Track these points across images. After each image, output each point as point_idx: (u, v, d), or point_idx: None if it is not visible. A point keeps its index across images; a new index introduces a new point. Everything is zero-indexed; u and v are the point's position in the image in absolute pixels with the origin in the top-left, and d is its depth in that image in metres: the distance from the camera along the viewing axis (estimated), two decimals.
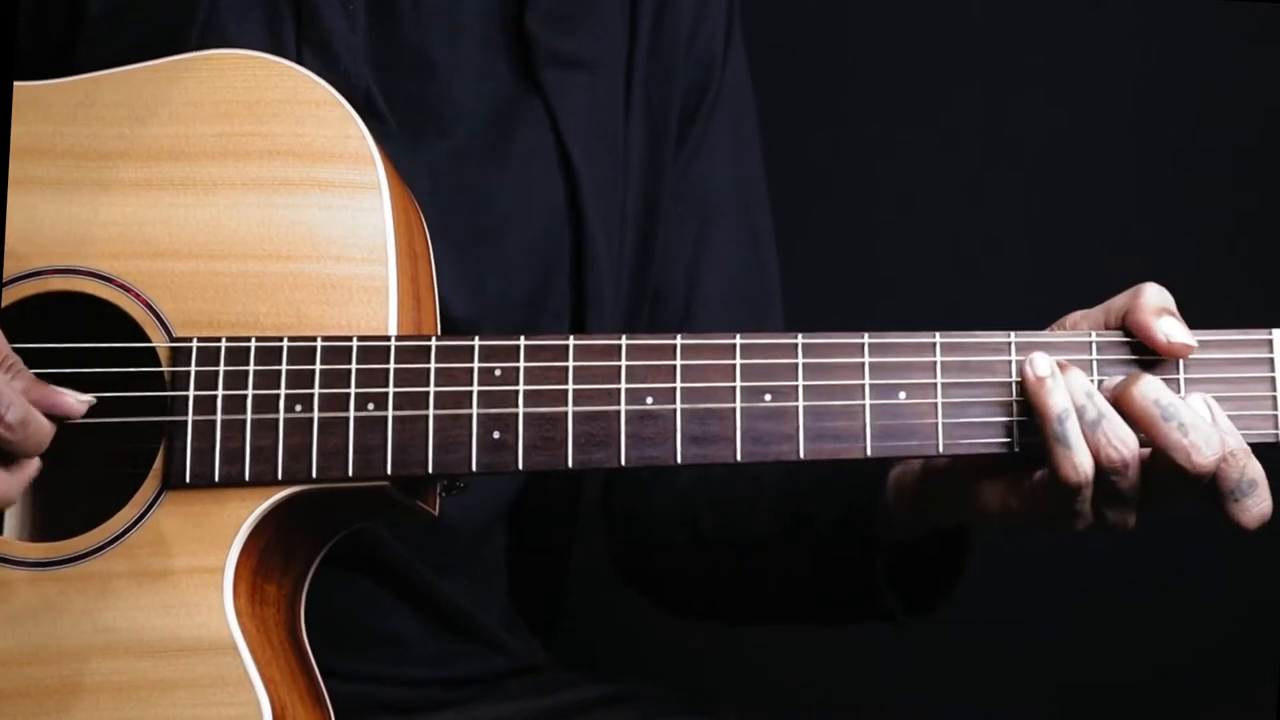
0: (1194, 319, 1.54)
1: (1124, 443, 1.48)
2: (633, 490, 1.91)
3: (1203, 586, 2.57)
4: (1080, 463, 1.48)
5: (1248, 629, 2.56)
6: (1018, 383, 1.52)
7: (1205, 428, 1.47)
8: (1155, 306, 1.51)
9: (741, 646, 2.50)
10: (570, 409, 1.53)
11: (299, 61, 1.69)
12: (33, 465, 1.50)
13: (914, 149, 2.57)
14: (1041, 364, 1.50)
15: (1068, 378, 1.50)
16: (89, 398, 1.52)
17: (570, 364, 1.54)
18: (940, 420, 1.51)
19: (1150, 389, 1.48)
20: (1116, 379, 1.51)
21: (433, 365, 1.54)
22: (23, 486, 1.50)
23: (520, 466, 1.53)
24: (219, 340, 1.55)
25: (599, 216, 1.83)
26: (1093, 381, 1.51)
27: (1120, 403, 1.49)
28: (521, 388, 1.53)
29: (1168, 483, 1.49)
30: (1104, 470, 1.48)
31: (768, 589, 1.82)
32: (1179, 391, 1.51)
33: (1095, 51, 2.57)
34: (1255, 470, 1.49)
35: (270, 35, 1.72)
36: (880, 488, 1.65)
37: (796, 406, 1.52)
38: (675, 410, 1.52)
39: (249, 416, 1.54)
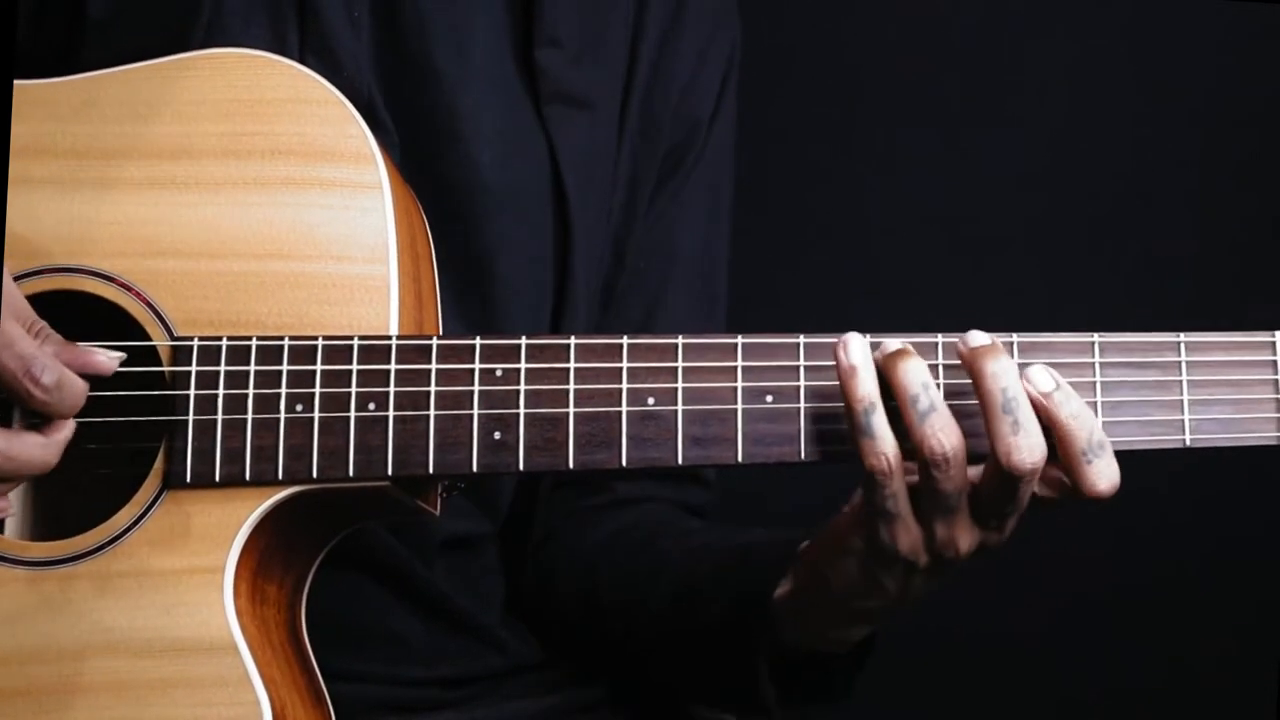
0: (1197, 321, 1.54)
1: (947, 434, 1.48)
2: (547, 523, 1.90)
3: (1202, 587, 2.58)
4: (885, 450, 1.48)
5: (1248, 629, 2.56)
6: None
7: (1037, 439, 1.47)
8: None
9: None
10: (571, 409, 1.53)
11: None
12: (68, 428, 1.51)
13: (915, 149, 2.57)
14: (856, 352, 1.50)
15: (906, 367, 1.49)
16: (119, 354, 1.53)
17: (571, 365, 1.53)
18: None
19: (1003, 378, 1.48)
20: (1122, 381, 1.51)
21: (434, 365, 1.54)
22: (60, 451, 1.51)
23: (521, 467, 1.53)
24: (220, 339, 1.55)
25: (584, 256, 1.82)
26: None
27: (975, 376, 1.49)
28: (523, 388, 1.53)
29: (989, 482, 1.49)
30: (927, 463, 1.48)
31: (651, 660, 1.82)
32: (1180, 374, 1.52)
33: (1096, 51, 2.57)
34: (1103, 435, 1.49)
35: (274, 40, 1.72)
36: (767, 597, 1.64)
37: (798, 408, 1.52)
38: (676, 411, 1.52)
39: (250, 416, 1.54)
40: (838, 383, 1.50)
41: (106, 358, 1.53)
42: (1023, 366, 1.50)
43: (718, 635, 1.70)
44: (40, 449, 1.50)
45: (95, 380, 1.54)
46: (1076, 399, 1.49)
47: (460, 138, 1.78)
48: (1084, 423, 1.49)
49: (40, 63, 1.66)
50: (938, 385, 1.50)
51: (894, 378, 1.49)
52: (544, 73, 1.81)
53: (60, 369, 1.50)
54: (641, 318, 1.89)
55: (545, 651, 1.94)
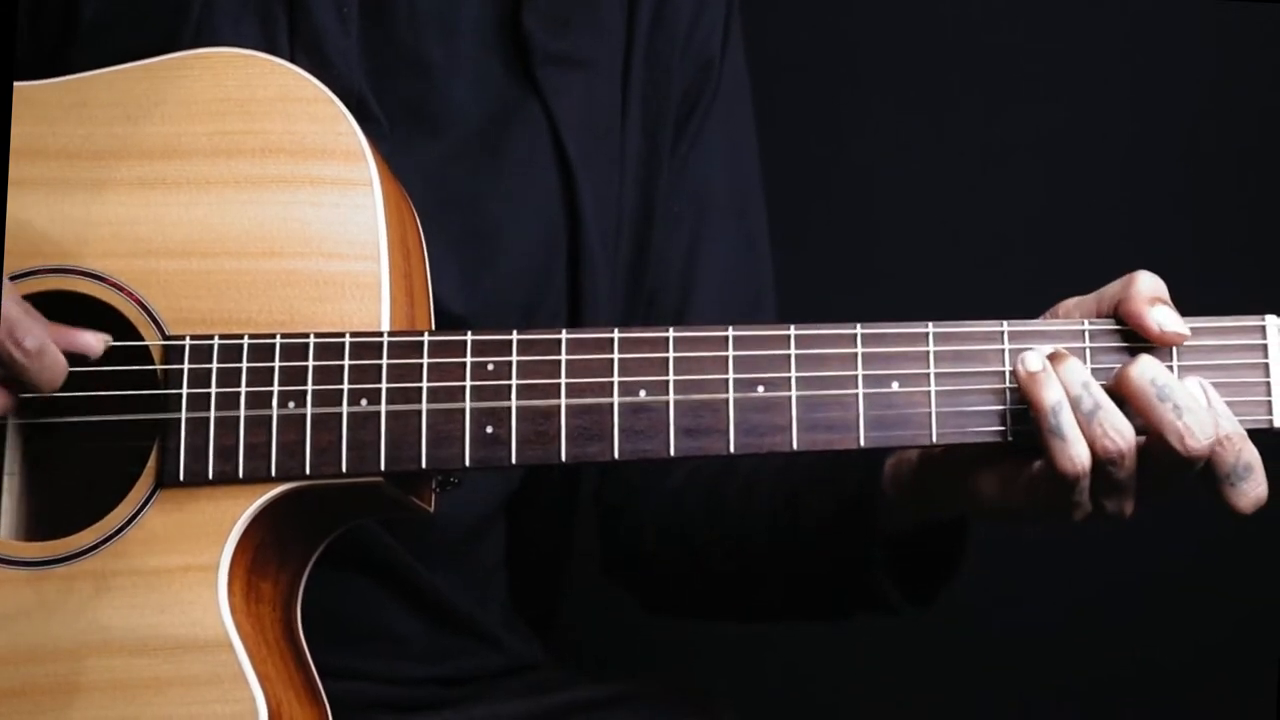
0: (1190, 307, 1.54)
1: (1120, 433, 1.48)
2: (623, 489, 1.91)
3: (1202, 586, 2.57)
4: (1077, 454, 1.48)
5: (1248, 629, 2.56)
6: (1012, 372, 1.52)
7: (1200, 411, 1.47)
8: (1148, 295, 1.51)
9: (740, 645, 2.50)
10: (563, 402, 1.53)
11: (292, 63, 1.70)
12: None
13: (911, 143, 2.57)
14: (1033, 360, 1.50)
15: (1065, 367, 1.49)
16: (105, 335, 1.54)
17: (563, 358, 1.54)
18: (933, 410, 1.51)
19: (1148, 369, 1.48)
20: (1115, 368, 1.51)
21: (425, 360, 1.54)
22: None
23: (514, 460, 1.53)
24: (212, 338, 1.55)
25: (596, 216, 1.83)
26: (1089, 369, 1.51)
27: (1118, 383, 1.50)
28: (514, 382, 1.53)
29: (1162, 467, 1.49)
30: (1101, 460, 1.48)
31: (763, 586, 1.82)
32: (1172, 367, 1.51)
33: (1094, 49, 2.57)
34: (1251, 454, 1.49)
35: (264, 38, 1.73)
36: (876, 479, 1.65)
37: (789, 397, 1.52)
38: (668, 402, 1.52)
39: (242, 413, 1.54)
40: (835, 373, 1.51)
41: (94, 338, 1.54)
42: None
43: (827, 535, 1.70)
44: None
45: (88, 381, 1.54)
46: (1229, 418, 1.50)
47: (453, 123, 1.79)
48: (1231, 447, 1.49)
49: (32, 62, 1.67)
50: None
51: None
52: (533, 38, 1.82)
53: (45, 338, 1.51)
54: (683, 263, 1.90)
55: (546, 651, 1.94)
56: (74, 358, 1.53)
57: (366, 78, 1.76)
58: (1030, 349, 1.51)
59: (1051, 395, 1.48)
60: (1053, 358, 1.50)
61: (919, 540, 1.69)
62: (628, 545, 1.91)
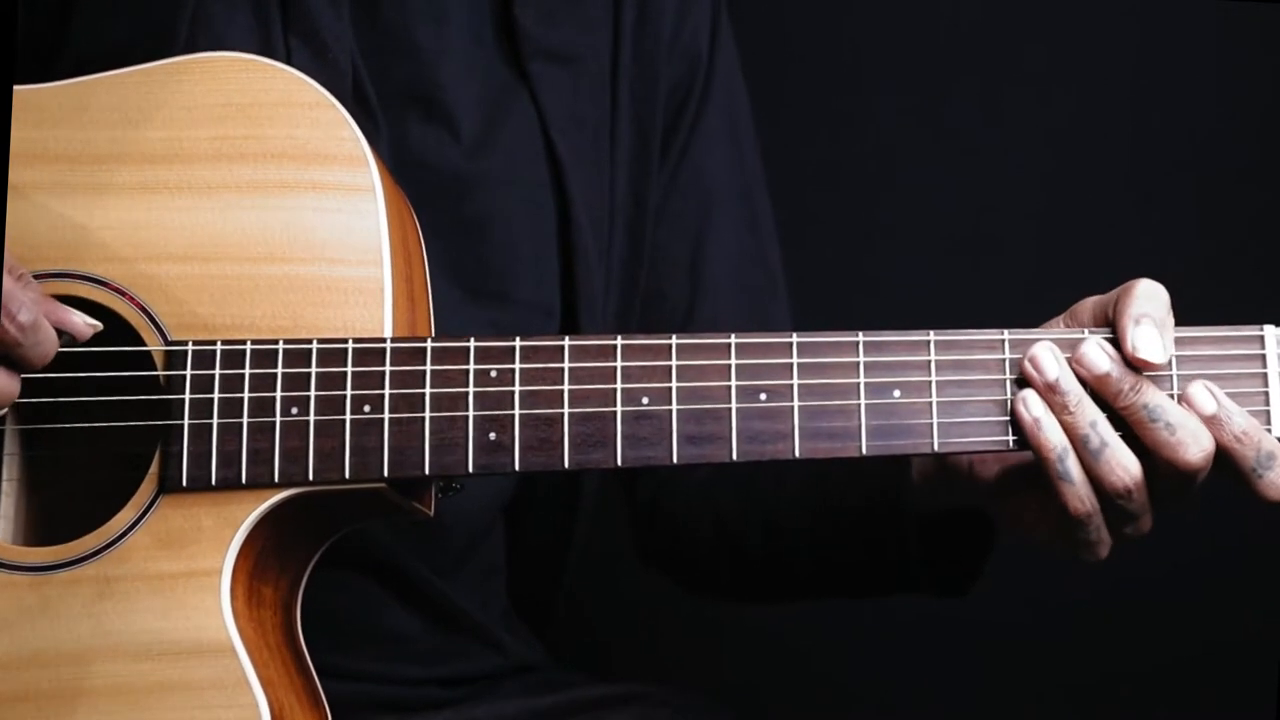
0: (1190, 316, 1.55)
1: (1126, 469, 1.50)
2: (654, 480, 1.93)
3: (1202, 587, 2.58)
4: (1086, 495, 1.51)
5: (1248, 629, 2.57)
6: (1013, 380, 1.52)
7: (1192, 425, 1.49)
8: (1137, 313, 1.52)
9: (741, 647, 2.51)
10: (566, 410, 1.53)
11: (287, 50, 1.71)
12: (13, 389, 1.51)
13: (912, 148, 2.57)
14: (1035, 405, 1.51)
15: (1076, 408, 1.51)
16: (96, 322, 1.53)
17: (566, 365, 1.54)
18: (935, 419, 1.52)
19: (1135, 393, 1.51)
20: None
21: (428, 367, 1.54)
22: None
23: (517, 467, 1.53)
24: (214, 344, 1.55)
25: (585, 209, 1.83)
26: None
27: (1110, 400, 1.51)
28: (517, 389, 1.53)
29: (1170, 480, 1.50)
30: (1110, 496, 1.51)
31: (795, 568, 1.84)
32: (1171, 387, 1.52)
33: (1095, 50, 2.57)
34: (1271, 444, 1.51)
35: (258, 24, 1.73)
36: (906, 473, 1.67)
37: (791, 406, 1.52)
38: (671, 410, 1.53)
39: (245, 419, 1.54)
40: (837, 381, 1.52)
41: (83, 321, 1.52)
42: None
43: (860, 516, 1.72)
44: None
45: (91, 386, 1.54)
46: (1240, 415, 1.51)
47: (443, 108, 1.79)
48: (1250, 441, 1.51)
49: (27, 49, 1.66)
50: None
51: (1061, 418, 1.51)
52: (524, 32, 1.82)
53: (39, 314, 1.49)
54: (689, 257, 1.91)
55: (546, 652, 1.94)
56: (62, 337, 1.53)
57: (361, 60, 1.76)
58: (1029, 385, 1.52)
59: (1058, 442, 1.51)
60: (1051, 390, 1.51)
61: (950, 523, 1.71)
62: (664, 534, 1.93)
